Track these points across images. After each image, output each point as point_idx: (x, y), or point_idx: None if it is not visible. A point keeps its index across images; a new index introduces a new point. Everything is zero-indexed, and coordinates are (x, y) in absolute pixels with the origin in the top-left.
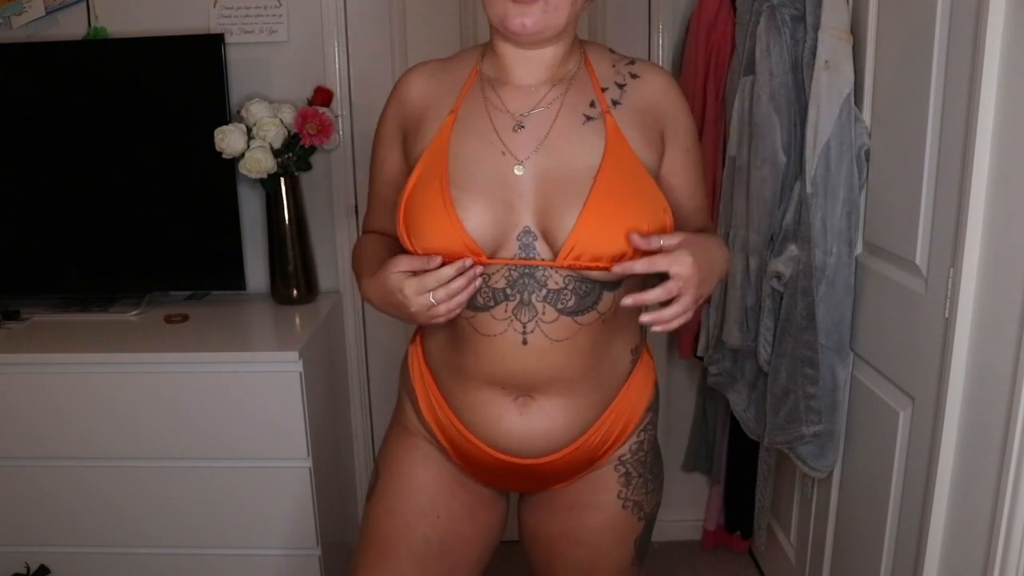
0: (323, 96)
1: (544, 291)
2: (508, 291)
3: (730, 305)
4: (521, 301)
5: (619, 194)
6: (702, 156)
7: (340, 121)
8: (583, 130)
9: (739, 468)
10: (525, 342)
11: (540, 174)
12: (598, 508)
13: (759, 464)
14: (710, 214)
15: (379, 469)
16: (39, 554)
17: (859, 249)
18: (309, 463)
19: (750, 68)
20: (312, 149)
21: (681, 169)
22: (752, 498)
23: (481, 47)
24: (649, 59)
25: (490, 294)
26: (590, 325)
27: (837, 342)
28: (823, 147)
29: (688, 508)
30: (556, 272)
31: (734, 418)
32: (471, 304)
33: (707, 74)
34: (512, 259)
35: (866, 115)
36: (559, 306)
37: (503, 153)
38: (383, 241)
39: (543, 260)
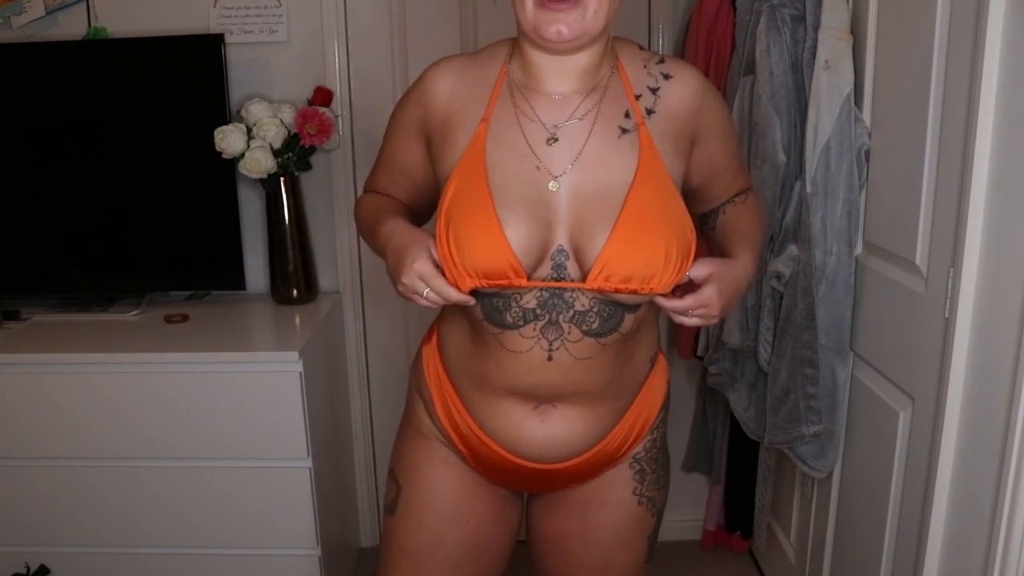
0: (323, 96)
1: (571, 312)
2: (538, 311)
3: None
4: (549, 321)
5: (649, 214)
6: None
7: (340, 121)
8: (619, 144)
9: (739, 468)
10: (550, 358)
11: (574, 191)
12: (615, 506)
13: (759, 464)
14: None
15: (398, 479)
16: (39, 554)
17: (859, 249)
18: (309, 463)
19: (750, 68)
20: (312, 149)
21: (717, 152)
22: (752, 498)
23: (508, 44)
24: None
25: (520, 314)
26: (612, 344)
27: (837, 342)
28: (823, 147)
29: (688, 508)
30: (583, 294)
31: (734, 418)
32: (501, 322)
33: (707, 74)
34: (545, 281)
35: (866, 115)
36: (584, 327)
37: (538, 168)
38: (392, 201)
39: (574, 282)
